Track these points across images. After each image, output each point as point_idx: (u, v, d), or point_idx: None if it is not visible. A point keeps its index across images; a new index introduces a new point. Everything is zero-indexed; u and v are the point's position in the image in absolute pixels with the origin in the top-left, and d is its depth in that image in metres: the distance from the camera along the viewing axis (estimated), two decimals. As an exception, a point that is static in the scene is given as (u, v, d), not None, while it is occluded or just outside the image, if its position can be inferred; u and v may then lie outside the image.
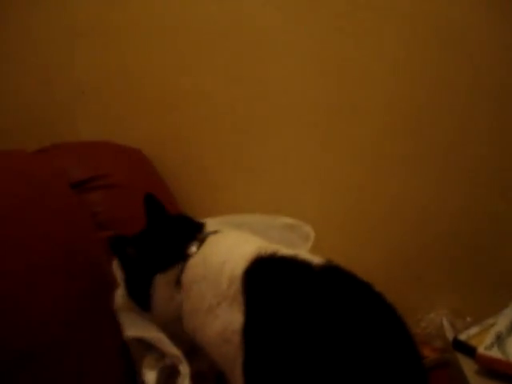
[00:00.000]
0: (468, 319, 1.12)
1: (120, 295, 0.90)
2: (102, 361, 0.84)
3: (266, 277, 0.79)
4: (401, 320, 0.73)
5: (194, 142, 1.41)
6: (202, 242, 0.88)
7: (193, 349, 0.99)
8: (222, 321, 0.79)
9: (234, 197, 1.40)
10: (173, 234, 0.91)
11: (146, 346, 0.85)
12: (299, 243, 1.05)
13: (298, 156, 1.34)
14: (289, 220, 1.09)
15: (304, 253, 0.85)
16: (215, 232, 0.91)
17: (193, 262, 0.85)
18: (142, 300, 0.87)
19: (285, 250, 0.82)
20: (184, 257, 0.86)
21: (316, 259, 0.79)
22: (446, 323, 1.13)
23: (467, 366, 0.92)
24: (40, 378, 0.70)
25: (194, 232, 0.91)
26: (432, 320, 1.17)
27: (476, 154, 1.24)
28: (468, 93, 1.22)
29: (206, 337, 0.83)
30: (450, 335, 1.03)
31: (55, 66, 1.38)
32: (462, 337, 0.99)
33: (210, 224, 1.03)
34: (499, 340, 0.91)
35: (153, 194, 0.94)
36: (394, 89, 1.25)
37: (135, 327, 0.85)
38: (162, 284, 0.86)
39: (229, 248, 0.87)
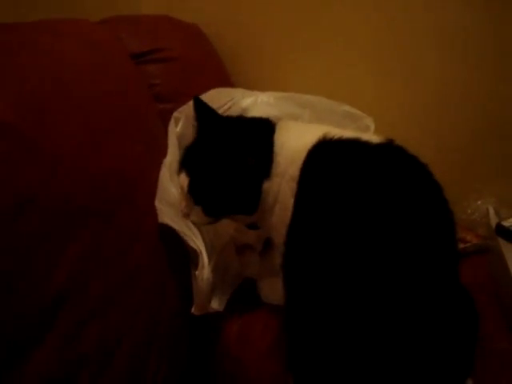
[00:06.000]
0: (515, 210, 1.11)
1: (167, 166, 0.92)
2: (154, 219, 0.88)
3: (326, 156, 0.80)
4: (447, 206, 0.75)
5: (251, 21, 1.38)
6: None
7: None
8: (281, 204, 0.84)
9: (290, 77, 1.38)
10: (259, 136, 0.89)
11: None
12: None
13: (354, 38, 1.30)
14: (352, 109, 1.06)
15: (366, 135, 0.84)
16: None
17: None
18: (247, 203, 0.88)
19: (349, 134, 0.82)
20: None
21: (378, 139, 0.80)
22: (491, 211, 1.13)
23: (508, 251, 0.93)
24: (100, 233, 0.73)
25: (272, 128, 0.91)
26: (478, 207, 1.18)
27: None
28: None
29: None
30: (494, 223, 1.03)
31: None
32: (506, 223, 1.00)
33: (274, 97, 1.05)
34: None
35: (200, 98, 0.90)
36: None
37: (167, 215, 0.86)
38: (268, 189, 0.87)
39: (300, 136, 0.87)
